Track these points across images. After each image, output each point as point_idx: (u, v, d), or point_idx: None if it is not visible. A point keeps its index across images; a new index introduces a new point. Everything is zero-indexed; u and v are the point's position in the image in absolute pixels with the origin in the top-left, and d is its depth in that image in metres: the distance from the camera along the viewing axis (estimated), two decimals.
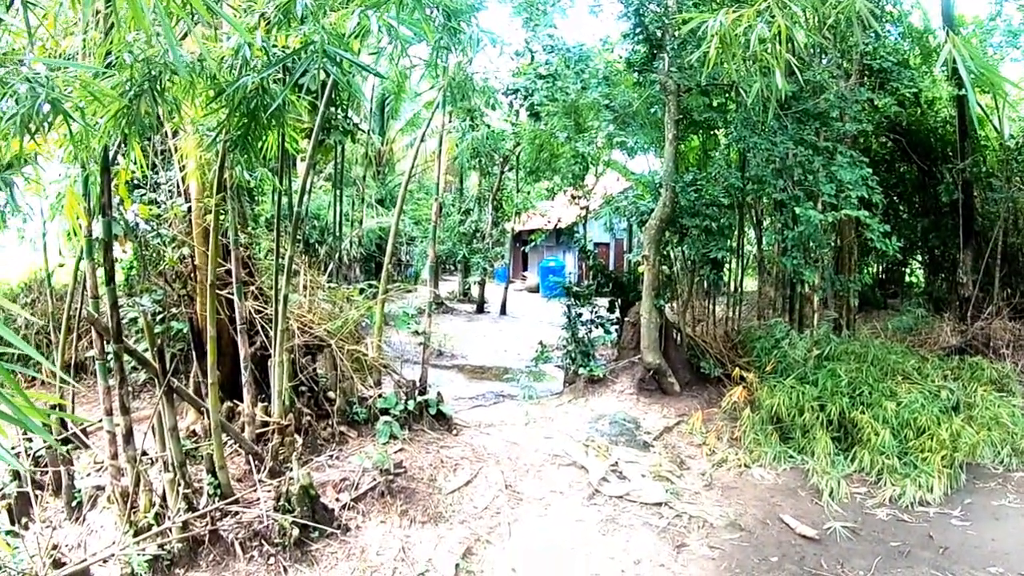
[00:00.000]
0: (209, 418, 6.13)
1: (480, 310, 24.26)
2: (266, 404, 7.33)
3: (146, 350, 6.05)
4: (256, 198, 9.72)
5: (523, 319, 23.11)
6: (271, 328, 7.39)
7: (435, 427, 8.49)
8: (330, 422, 7.73)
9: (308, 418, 7.46)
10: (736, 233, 12.15)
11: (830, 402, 8.87)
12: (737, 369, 10.25)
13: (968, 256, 15.87)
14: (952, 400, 9.27)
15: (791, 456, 8.58)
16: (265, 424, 7.09)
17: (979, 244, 15.96)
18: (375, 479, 6.63)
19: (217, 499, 5.96)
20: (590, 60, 10.85)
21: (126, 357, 5.63)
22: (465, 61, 7.58)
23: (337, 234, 14.59)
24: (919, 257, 19.70)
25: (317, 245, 19.05)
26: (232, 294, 7.08)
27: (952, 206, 16.11)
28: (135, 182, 8.27)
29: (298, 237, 8.34)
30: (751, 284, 17.36)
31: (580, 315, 11.55)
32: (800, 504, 7.50)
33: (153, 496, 5.77)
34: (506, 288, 24.73)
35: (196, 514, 5.65)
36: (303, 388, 7.89)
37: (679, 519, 6.95)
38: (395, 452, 7.40)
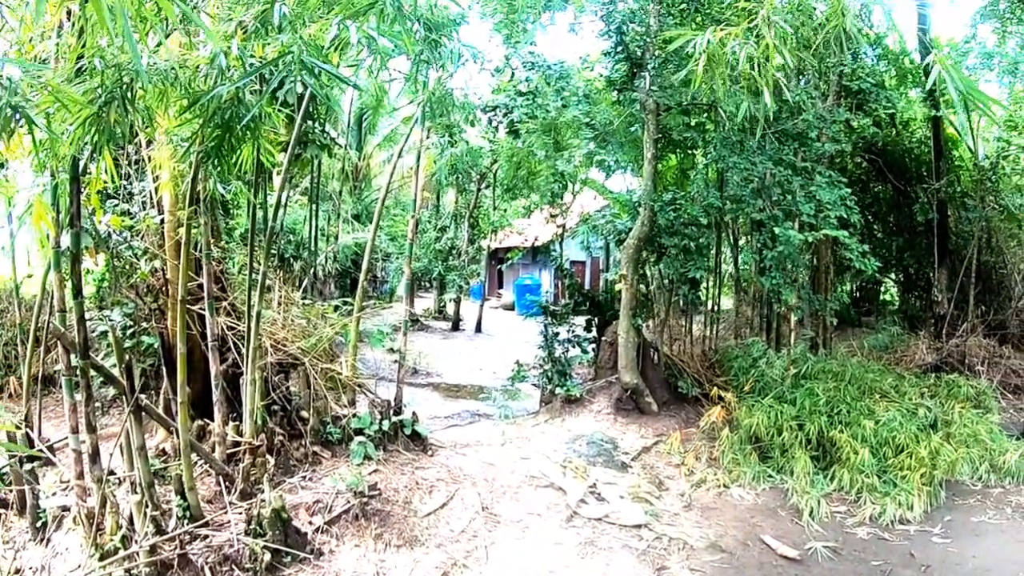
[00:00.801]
0: (178, 437, 5.98)
1: (455, 328, 24.13)
2: (237, 423, 7.17)
3: (114, 366, 5.91)
4: (231, 211, 9.57)
5: (498, 337, 23.00)
6: (243, 345, 7.26)
7: (410, 447, 8.37)
8: (303, 442, 7.58)
9: (280, 438, 7.32)
10: (714, 252, 12.17)
11: (808, 421, 8.87)
12: (715, 389, 10.22)
13: (943, 275, 16.09)
14: (930, 418, 9.33)
15: (770, 476, 8.56)
16: (236, 444, 6.94)
17: (953, 263, 16.19)
18: (349, 501, 6.50)
19: (186, 521, 5.81)
20: (570, 78, 10.85)
21: (93, 373, 5.48)
22: (446, 76, 7.55)
23: (312, 249, 14.41)
24: (893, 276, 19.92)
25: (292, 260, 18.86)
26: (204, 309, 6.94)
27: (926, 225, 16.34)
28: (108, 192, 8.14)
29: (272, 252, 8.23)
30: (727, 303, 17.41)
31: (557, 334, 11.48)
32: (780, 524, 7.47)
33: (120, 518, 5.61)
34: (481, 306, 24.65)
35: (164, 537, 5.49)
36: (275, 407, 7.73)
37: (659, 541, 6.88)
38: (369, 473, 7.27)
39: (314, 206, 14.48)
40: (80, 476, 5.78)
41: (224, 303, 7.78)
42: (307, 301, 9.04)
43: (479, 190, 23.44)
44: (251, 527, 5.66)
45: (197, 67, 4.30)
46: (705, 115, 11.61)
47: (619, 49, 9.93)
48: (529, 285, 29.24)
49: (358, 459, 7.48)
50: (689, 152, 13.13)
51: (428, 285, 28.38)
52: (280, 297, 8.64)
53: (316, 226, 14.37)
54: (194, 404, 7.38)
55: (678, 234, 9.94)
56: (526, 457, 8.87)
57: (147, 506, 5.51)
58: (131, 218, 7.91)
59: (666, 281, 11.70)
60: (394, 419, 8.24)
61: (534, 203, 24.32)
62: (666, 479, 8.80)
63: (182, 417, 5.86)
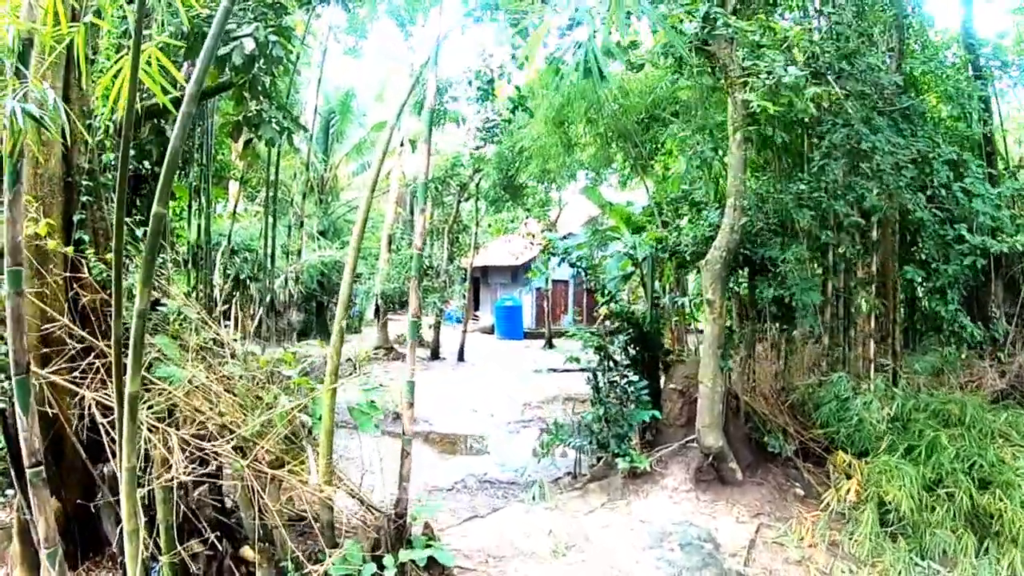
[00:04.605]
0: None
1: (435, 356, 20.31)
2: None
3: None
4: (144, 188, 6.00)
5: (484, 366, 19.36)
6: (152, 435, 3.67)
7: None
8: None
9: None
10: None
11: (954, 486, 6.30)
12: (841, 454, 7.07)
13: (999, 287, 13.30)
14: None
15: (918, 565, 6.04)
16: None
17: (1006, 276, 13.45)
18: None
19: None
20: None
21: None
22: None
23: (269, 268, 10.66)
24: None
25: (249, 281, 15.07)
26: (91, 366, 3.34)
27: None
28: None
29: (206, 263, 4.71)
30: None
31: (614, 383, 7.81)
32: None
33: None
34: (464, 332, 20.86)
35: None
36: (199, 543, 4.06)
37: None
38: None
39: (271, 217, 10.86)
40: None
41: (102, 362, 4.11)
42: (254, 348, 5.26)
43: (459, 203, 19.86)
44: None
45: None
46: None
47: None
48: (510, 307, 25.62)
49: None
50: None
51: (399, 307, 24.50)
52: (206, 339, 4.86)
53: (274, 240, 10.66)
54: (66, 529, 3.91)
55: (811, 239, 6.63)
56: None
57: None
58: None
59: (750, 307, 8.32)
60: (403, 554, 4.58)
61: (518, 218, 21.06)
62: None
63: None
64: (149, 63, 3.23)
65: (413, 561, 4.59)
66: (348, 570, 4.16)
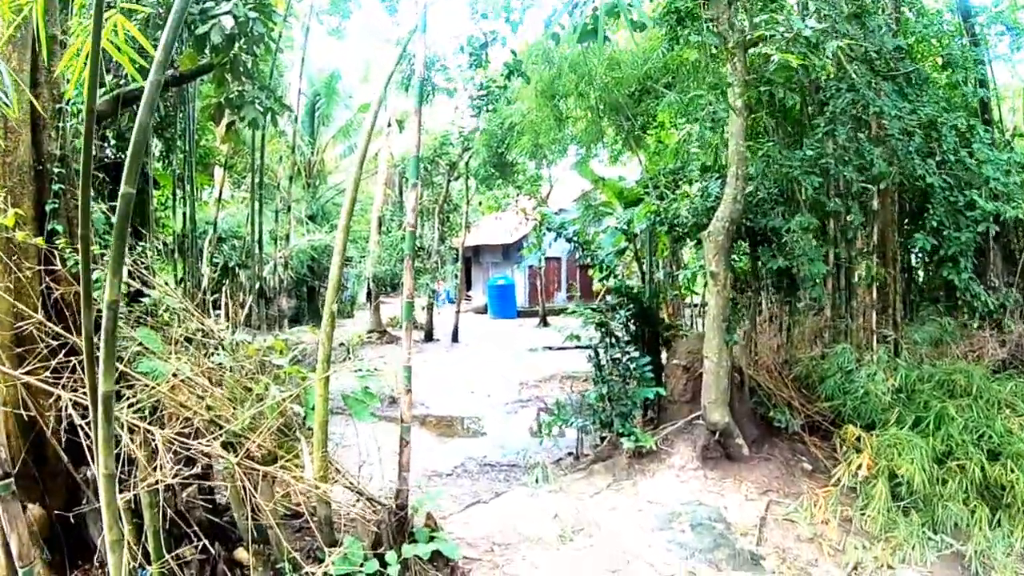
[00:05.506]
0: None
1: (429, 337, 20.08)
2: None
3: None
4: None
5: (479, 346, 19.14)
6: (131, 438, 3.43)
7: None
8: None
9: None
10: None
11: (965, 457, 6.20)
12: (850, 427, 6.89)
13: (998, 255, 13.10)
14: None
15: (931, 539, 5.93)
16: None
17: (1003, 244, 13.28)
18: None
19: None
20: None
21: None
22: None
23: (257, 254, 10.35)
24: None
25: (238, 269, 14.78)
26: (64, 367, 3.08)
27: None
28: None
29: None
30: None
31: (616, 360, 7.60)
32: None
33: None
34: (457, 312, 20.62)
35: None
36: (189, 547, 3.82)
37: None
38: None
39: (257, 202, 10.55)
40: None
41: (78, 359, 3.85)
42: (245, 336, 5.01)
43: (448, 182, 19.50)
44: None
45: None
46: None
47: None
48: (503, 286, 25.37)
49: None
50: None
51: (391, 290, 24.20)
52: (191, 331, 4.61)
53: (261, 226, 10.35)
54: (49, 536, 3.78)
55: (817, 208, 6.41)
56: (615, 570, 5.16)
57: None
58: None
59: (752, 279, 8.08)
60: (406, 549, 4.35)
61: (509, 195, 20.73)
62: (810, 567, 5.62)
63: None
64: (117, 34, 2.96)
65: (417, 555, 4.38)
66: (349, 568, 3.94)
